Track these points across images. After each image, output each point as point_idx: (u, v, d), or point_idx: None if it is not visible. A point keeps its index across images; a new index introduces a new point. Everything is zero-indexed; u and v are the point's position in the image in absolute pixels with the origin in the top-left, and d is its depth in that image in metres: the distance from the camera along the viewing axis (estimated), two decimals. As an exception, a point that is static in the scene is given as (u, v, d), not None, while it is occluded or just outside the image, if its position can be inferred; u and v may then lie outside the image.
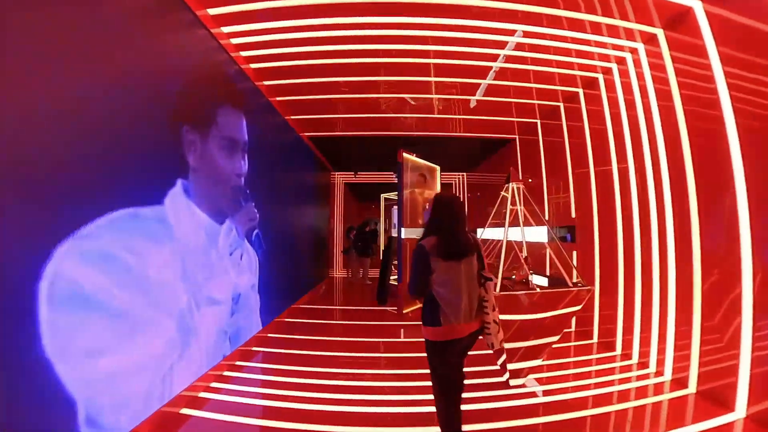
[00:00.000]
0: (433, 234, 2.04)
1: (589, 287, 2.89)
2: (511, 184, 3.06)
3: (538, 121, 6.10)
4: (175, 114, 2.80)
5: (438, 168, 6.79)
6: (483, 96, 5.07)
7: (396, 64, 4.30)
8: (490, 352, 3.25)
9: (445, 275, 1.96)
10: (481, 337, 2.13)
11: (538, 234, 4.69)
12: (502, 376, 3.13)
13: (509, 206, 2.94)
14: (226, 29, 3.57)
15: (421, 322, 2.07)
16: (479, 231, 8.82)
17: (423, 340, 2.07)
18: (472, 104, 5.39)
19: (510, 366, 2.91)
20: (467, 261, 2.03)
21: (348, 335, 5.02)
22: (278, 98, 5.15)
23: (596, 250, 4.50)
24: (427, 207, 2.26)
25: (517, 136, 7.03)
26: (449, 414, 2.02)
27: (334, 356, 3.91)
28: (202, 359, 3.18)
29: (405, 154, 5.60)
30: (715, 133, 2.86)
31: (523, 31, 3.59)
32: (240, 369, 3.57)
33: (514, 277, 3.45)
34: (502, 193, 3.14)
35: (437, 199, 2.13)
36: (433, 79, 4.69)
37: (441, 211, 2.07)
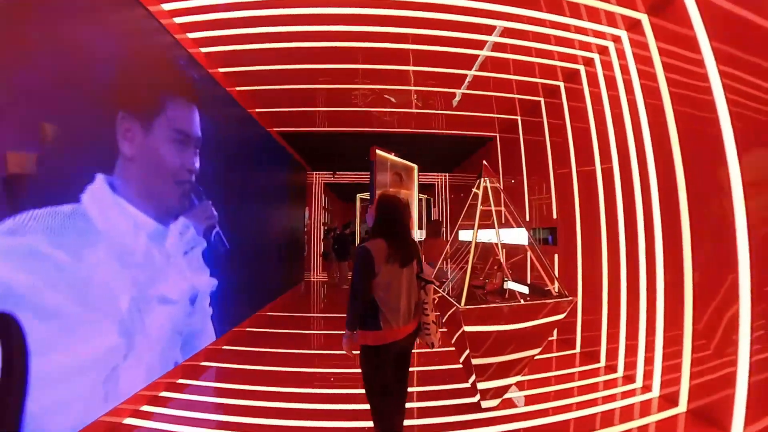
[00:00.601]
0: (379, 237, 1.96)
1: (570, 298, 2.56)
2: (483, 180, 2.72)
3: (519, 118, 5.83)
4: (98, 104, 2.43)
5: (415, 167, 6.47)
6: (464, 89, 4.77)
7: (373, 49, 3.90)
8: (460, 366, 2.94)
9: (388, 278, 1.90)
10: (419, 340, 2.14)
11: (517, 236, 4.38)
12: (473, 396, 2.79)
13: (480, 205, 2.59)
14: (167, 6, 3.16)
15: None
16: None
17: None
18: (457, 98, 5.08)
19: (481, 386, 2.57)
20: (410, 265, 2.01)
21: (315, 347, 4.62)
22: (238, 88, 4.74)
23: (578, 252, 4.21)
24: (368, 209, 2.15)
25: (497, 134, 6.75)
26: (385, 423, 1.96)
27: (295, 372, 3.51)
28: (150, 363, 2.92)
29: (378, 151, 5.25)
30: (709, 136, 2.58)
31: (501, 13, 3.30)
32: (181, 389, 3.14)
33: (486, 285, 3.10)
34: (474, 189, 2.80)
35: (382, 199, 2.05)
36: (411, 68, 4.33)
37: (388, 214, 2.00)
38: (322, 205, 11.81)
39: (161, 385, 3.07)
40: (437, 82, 4.70)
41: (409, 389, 2.42)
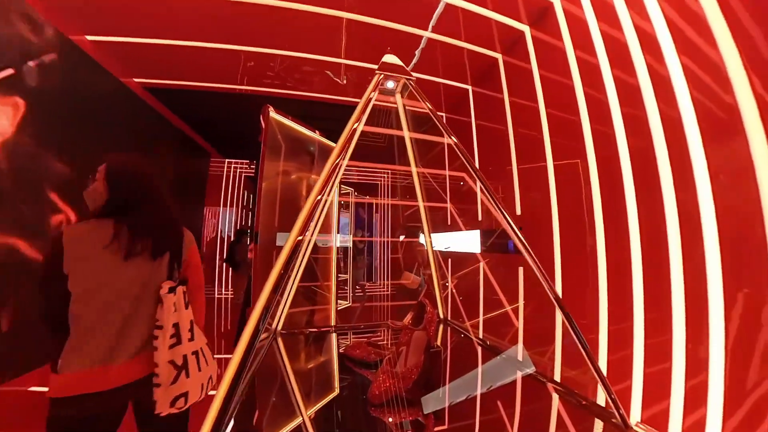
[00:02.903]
0: (110, 216, 1.20)
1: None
2: (380, 85, 1.20)
3: (470, 88, 4.52)
4: None
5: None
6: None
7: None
8: None
9: (94, 279, 1.12)
10: None
11: (460, 242, 2.99)
12: None
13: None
14: None
15: None
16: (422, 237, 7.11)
17: None
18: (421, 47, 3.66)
19: None
20: (155, 261, 1.24)
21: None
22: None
23: (557, 260, 2.88)
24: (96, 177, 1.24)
25: (444, 114, 5.42)
26: None
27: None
28: None
29: (273, 114, 3.60)
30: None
31: None
32: None
33: (382, 361, 1.55)
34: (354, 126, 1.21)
35: (114, 163, 1.26)
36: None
37: (126, 181, 1.25)
38: (243, 203, 9.85)
39: None
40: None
41: None
